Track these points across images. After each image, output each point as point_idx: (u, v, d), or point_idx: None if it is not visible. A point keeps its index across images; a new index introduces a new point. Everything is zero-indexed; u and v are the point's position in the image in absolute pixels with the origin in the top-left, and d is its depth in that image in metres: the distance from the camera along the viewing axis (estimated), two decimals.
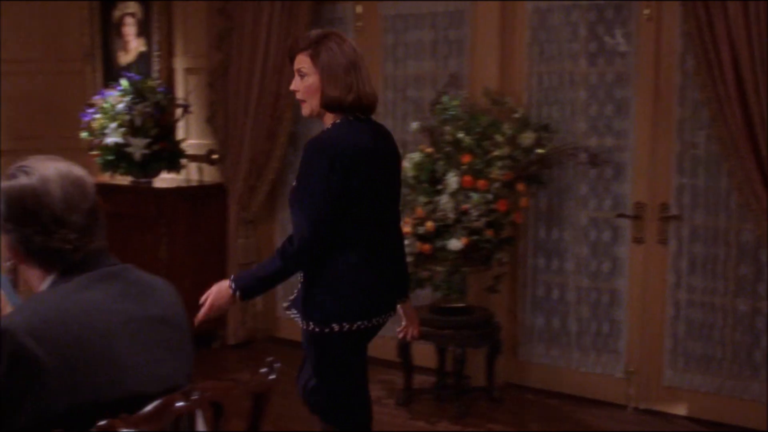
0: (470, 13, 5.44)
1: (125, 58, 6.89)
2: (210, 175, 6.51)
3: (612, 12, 5.03)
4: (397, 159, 3.52)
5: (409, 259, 4.90)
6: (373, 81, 5.56)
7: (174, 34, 6.65)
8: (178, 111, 6.31)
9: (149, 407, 1.82)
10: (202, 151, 6.46)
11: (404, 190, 4.95)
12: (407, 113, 5.67)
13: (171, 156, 6.24)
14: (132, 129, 6.09)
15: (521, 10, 5.30)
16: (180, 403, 1.86)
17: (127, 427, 1.76)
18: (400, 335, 3.78)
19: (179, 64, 6.63)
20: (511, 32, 5.33)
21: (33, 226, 1.96)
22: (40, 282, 2.02)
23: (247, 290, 3.34)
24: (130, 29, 6.84)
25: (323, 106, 3.25)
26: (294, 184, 3.31)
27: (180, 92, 6.52)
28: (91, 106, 6.46)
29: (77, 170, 2.07)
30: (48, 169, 2.01)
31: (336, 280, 3.26)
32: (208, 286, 3.39)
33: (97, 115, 6.30)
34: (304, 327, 3.34)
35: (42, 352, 1.77)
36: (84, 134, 6.41)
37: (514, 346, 5.48)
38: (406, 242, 4.57)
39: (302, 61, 3.27)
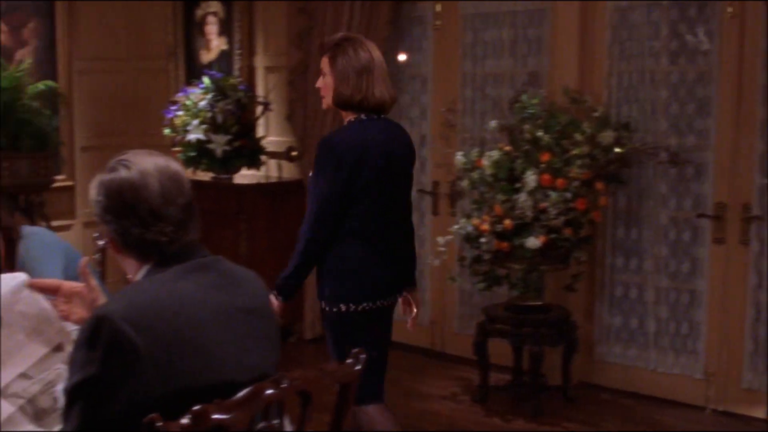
0: (550, 11, 5.43)
1: (207, 57, 7.02)
2: (289, 171, 6.60)
3: (695, 10, 4.99)
4: (409, 155, 3.78)
5: (486, 256, 4.94)
6: (451, 80, 5.64)
7: (255, 33, 6.75)
8: (259, 109, 6.41)
9: (240, 394, 1.87)
10: (281, 148, 6.54)
11: (483, 188, 5.00)
12: (485, 111, 5.69)
13: (251, 153, 6.34)
14: (213, 126, 6.20)
15: (602, 9, 5.28)
16: (270, 391, 1.91)
17: (219, 413, 1.81)
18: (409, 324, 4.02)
19: (260, 62, 6.73)
20: (592, 31, 5.32)
21: (131, 218, 2.03)
22: (136, 272, 2.10)
23: (282, 291, 3.67)
24: (212, 28, 6.96)
25: (335, 104, 3.63)
26: (311, 174, 3.64)
27: (260, 90, 6.62)
28: (174, 103, 6.59)
29: (174, 165, 2.14)
30: (147, 164, 2.08)
31: (344, 267, 3.60)
32: None
33: (180, 113, 6.42)
34: (320, 307, 3.71)
35: (138, 338, 1.84)
36: (167, 131, 6.55)
37: (591, 346, 5.46)
38: (483, 240, 4.69)
39: (324, 62, 3.66)
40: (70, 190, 7.14)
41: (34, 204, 6.46)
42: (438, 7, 5.88)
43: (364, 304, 3.60)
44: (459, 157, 5.14)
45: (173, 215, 2.05)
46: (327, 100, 3.67)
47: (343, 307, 3.60)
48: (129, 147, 6.03)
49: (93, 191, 2.12)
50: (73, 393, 1.86)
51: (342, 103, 3.60)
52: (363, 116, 3.59)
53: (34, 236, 3.53)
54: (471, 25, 5.77)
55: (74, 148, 7.18)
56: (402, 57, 6.14)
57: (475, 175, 5.05)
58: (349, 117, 3.64)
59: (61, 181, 6.93)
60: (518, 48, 5.59)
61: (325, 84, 3.64)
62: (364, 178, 3.51)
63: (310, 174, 3.64)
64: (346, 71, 3.56)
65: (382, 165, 3.56)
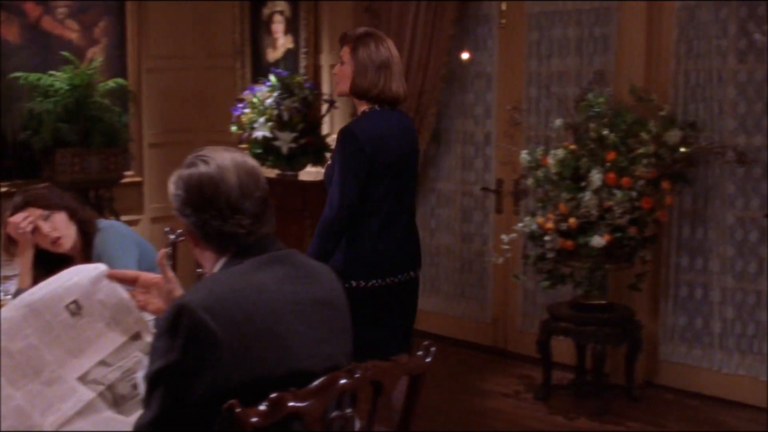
0: (617, 10, 5.42)
1: (273, 55, 7.10)
2: None
3: (764, 8, 4.94)
4: (415, 145, 4.05)
5: (550, 255, 4.95)
6: (516, 78, 5.66)
7: (321, 32, 6.81)
8: (324, 106, 6.47)
9: (315, 383, 1.92)
10: None
11: (547, 187, 5.01)
12: (551, 110, 5.69)
13: (316, 150, 6.39)
14: (279, 123, 6.27)
15: (669, 7, 5.25)
16: (343, 381, 1.96)
17: (295, 401, 1.87)
18: None
19: (325, 60, 6.79)
20: (658, 29, 5.29)
21: (210, 211, 2.09)
22: (213, 265, 2.16)
23: None
24: (278, 27, 7.04)
25: (352, 93, 3.86)
26: (329, 162, 3.94)
27: (326, 88, 6.68)
28: (241, 101, 6.67)
29: (251, 160, 2.20)
30: (224, 159, 2.14)
31: (356, 244, 3.80)
32: None
33: (247, 110, 6.50)
34: None
35: (217, 327, 1.89)
36: (233, 128, 6.64)
37: (655, 345, 5.44)
38: (547, 238, 4.72)
39: (344, 52, 3.88)
40: (138, 185, 7.28)
41: (103, 199, 6.59)
42: (504, 6, 5.89)
43: (374, 281, 3.79)
44: (524, 156, 5.16)
45: (250, 208, 2.11)
46: (341, 87, 3.91)
47: (353, 283, 3.74)
48: (196, 144, 6.19)
49: (172, 186, 2.18)
50: (154, 379, 1.92)
51: (360, 93, 3.83)
52: (377, 107, 3.83)
53: (110, 229, 3.63)
54: (537, 24, 5.78)
55: (142, 144, 7.32)
56: (465, 55, 6.16)
57: (539, 173, 5.06)
58: (363, 107, 3.87)
59: (129, 177, 7.07)
60: (584, 46, 5.59)
61: (342, 72, 3.87)
62: (381, 165, 3.77)
63: (329, 163, 3.95)
64: (366, 64, 3.79)
65: (396, 153, 3.84)
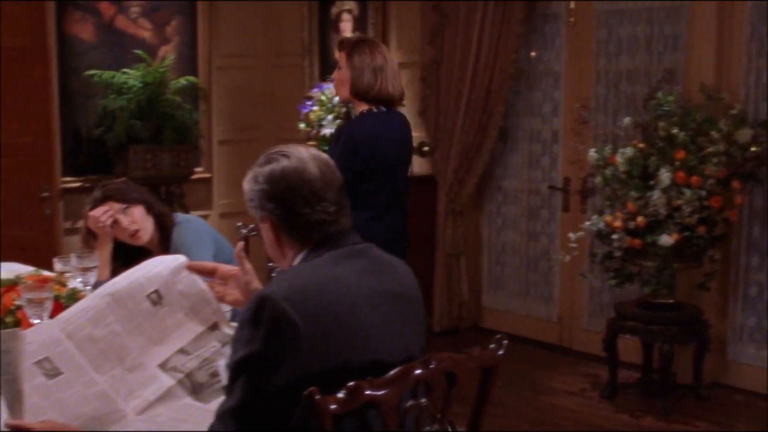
0: (687, 8, 5.38)
1: None
2: (420, 166, 6.69)
3: None
4: (409, 143, 4.37)
5: (618, 253, 4.94)
6: (585, 76, 5.66)
7: (388, 30, 6.86)
8: None
9: (391, 373, 1.97)
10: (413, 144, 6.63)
11: (615, 185, 5.00)
12: (619, 108, 5.67)
13: None
14: (347, 121, 6.33)
15: (740, 5, 5.20)
16: (418, 371, 2.00)
17: (372, 390, 1.92)
18: None
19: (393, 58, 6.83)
20: (729, 27, 5.25)
21: (297, 200, 2.15)
22: (293, 257, 2.21)
23: None
24: (346, 25, 7.11)
25: (351, 95, 4.17)
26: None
27: None
28: (309, 98, 6.74)
29: (324, 155, 2.27)
30: (302, 153, 2.22)
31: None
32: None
33: (315, 108, 6.58)
34: None
35: (298, 318, 1.95)
36: (302, 125, 6.71)
37: (723, 345, 5.40)
38: (615, 236, 4.72)
39: (342, 58, 4.21)
40: (207, 181, 7.39)
41: (174, 195, 6.71)
42: (572, 4, 5.88)
43: None
44: (592, 154, 5.15)
45: (332, 197, 2.18)
46: (342, 91, 4.26)
47: None
48: (264, 141, 6.29)
49: (251, 183, 2.23)
50: (236, 368, 1.98)
51: (359, 94, 4.15)
52: (374, 108, 4.16)
53: (188, 223, 3.72)
54: (605, 22, 5.77)
55: (212, 141, 7.43)
56: (533, 54, 6.17)
57: (608, 171, 5.05)
58: (362, 107, 4.18)
59: (199, 173, 7.19)
60: (654, 45, 5.56)
61: (340, 77, 4.22)
62: (375, 162, 4.09)
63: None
64: (362, 68, 4.12)
65: (391, 152, 4.17)
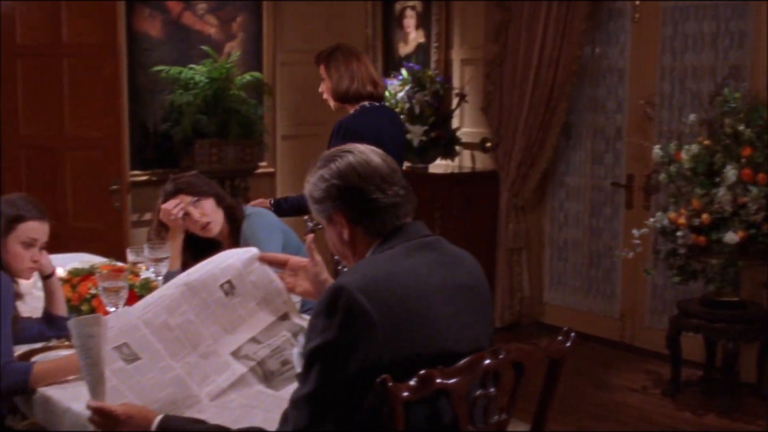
0: (753, 4, 5.33)
1: (404, 50, 7.22)
2: (482, 162, 6.72)
3: None
4: (403, 135, 4.81)
5: (682, 250, 4.93)
6: (649, 73, 5.63)
7: (452, 27, 6.89)
8: (455, 100, 6.55)
9: (461, 362, 2.01)
10: (476, 140, 6.67)
11: (680, 182, 4.98)
12: (684, 105, 5.64)
13: (446, 143, 6.49)
14: (411, 117, 6.39)
15: None
16: (487, 361, 2.04)
17: (442, 378, 1.96)
18: None
19: (456, 55, 6.87)
20: None
21: (368, 187, 2.20)
22: (365, 250, 2.26)
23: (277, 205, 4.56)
24: (410, 22, 7.16)
25: (337, 101, 4.61)
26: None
27: (456, 82, 6.76)
28: None
29: (378, 149, 2.34)
30: (360, 147, 2.31)
31: None
32: None
33: None
34: None
35: (372, 308, 2.00)
36: None
37: None
38: (679, 234, 4.71)
39: (321, 70, 4.66)
40: (271, 176, 7.48)
41: (239, 189, 6.82)
42: (638, 2, 5.86)
43: None
44: (656, 151, 5.13)
45: (400, 181, 2.26)
46: (331, 102, 4.67)
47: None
48: (326, 137, 6.37)
49: (316, 185, 2.28)
50: (311, 356, 2.03)
51: (343, 99, 4.58)
52: (366, 104, 4.57)
53: (258, 216, 3.79)
54: (671, 18, 5.73)
55: (276, 136, 7.51)
56: (596, 50, 6.17)
57: (672, 168, 5.03)
58: (351, 109, 4.58)
59: (263, 167, 7.28)
60: (720, 41, 5.52)
61: (326, 88, 4.65)
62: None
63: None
64: (339, 76, 4.57)
65: (388, 143, 4.19)
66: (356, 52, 4.71)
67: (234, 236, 3.77)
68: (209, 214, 3.73)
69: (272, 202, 4.61)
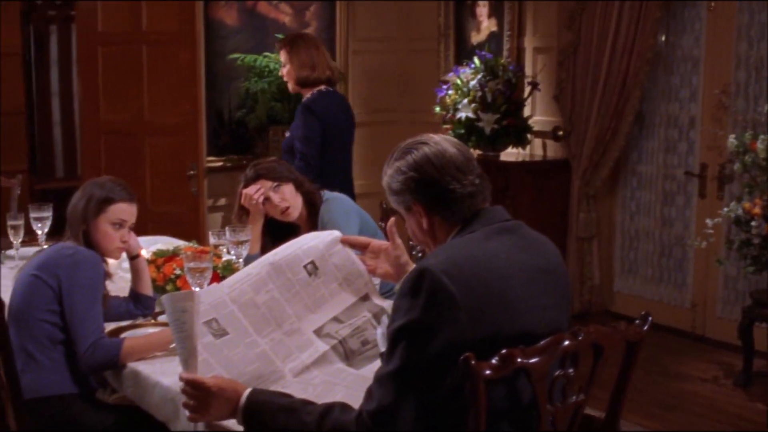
0: None
1: (477, 38, 7.24)
2: (554, 150, 6.73)
3: None
4: (353, 117, 5.32)
5: (756, 240, 4.90)
6: (725, 61, 5.59)
7: (525, 15, 6.89)
8: (527, 89, 6.57)
9: (542, 343, 2.06)
10: (547, 128, 6.68)
11: (755, 172, 4.96)
12: (760, 94, 5.58)
13: (518, 131, 6.50)
14: (483, 105, 6.41)
15: None
16: (567, 342, 2.09)
17: (523, 358, 2.01)
18: None
19: (528, 43, 6.87)
20: None
21: (445, 178, 2.26)
22: (444, 240, 2.32)
23: None
24: (482, 10, 7.17)
25: (298, 85, 5.08)
26: (288, 134, 5.14)
27: (528, 70, 6.77)
28: (445, 82, 6.85)
29: (453, 138, 2.40)
30: (435, 137, 2.36)
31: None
32: None
33: (450, 92, 6.68)
34: None
35: (455, 289, 2.06)
36: (437, 109, 6.83)
37: None
38: (754, 224, 4.69)
39: (283, 55, 5.12)
40: None
41: None
42: None
43: None
44: (731, 140, 5.10)
45: (475, 170, 2.31)
46: (290, 85, 5.12)
47: None
48: (398, 124, 6.48)
49: (394, 176, 2.34)
50: (396, 335, 2.10)
51: (303, 82, 5.05)
52: (323, 88, 5.07)
53: (335, 201, 3.88)
54: (747, 6, 5.68)
55: None
56: (671, 38, 6.14)
57: (747, 158, 5.00)
58: (310, 91, 5.06)
59: None
60: None
61: (287, 71, 5.10)
62: (332, 132, 5.02)
63: (287, 134, 5.16)
64: (301, 61, 5.04)
65: (343, 125, 5.14)
66: (317, 40, 5.29)
67: (312, 220, 3.85)
68: (288, 199, 3.82)
69: None
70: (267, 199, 3.81)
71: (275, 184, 3.81)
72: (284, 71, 5.16)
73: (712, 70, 5.88)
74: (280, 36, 5.43)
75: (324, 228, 3.61)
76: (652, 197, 6.36)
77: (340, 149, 5.15)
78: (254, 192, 3.80)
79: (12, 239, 4.18)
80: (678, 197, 6.20)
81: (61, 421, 2.99)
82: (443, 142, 2.34)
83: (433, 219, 2.32)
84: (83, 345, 2.92)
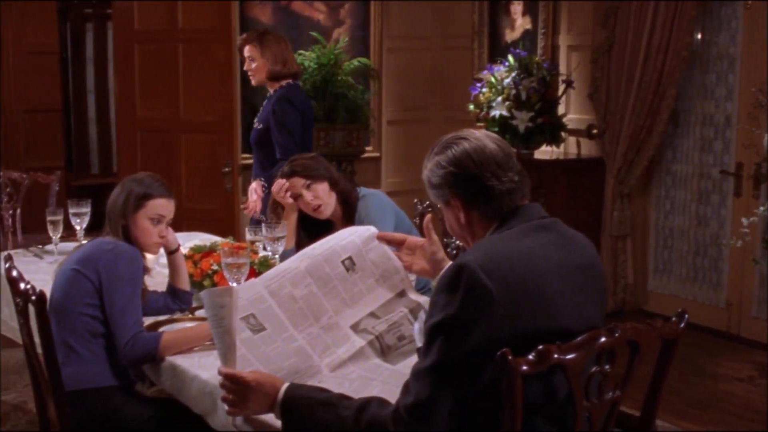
0: None
1: (511, 36, 7.24)
2: (588, 149, 6.72)
3: None
4: (311, 107, 5.47)
5: None
6: (762, 60, 5.53)
7: (559, 13, 6.88)
8: (561, 86, 6.55)
9: (578, 339, 2.07)
10: (582, 126, 6.67)
11: None
12: None
13: (552, 129, 6.50)
14: (517, 103, 6.41)
15: None
16: (603, 339, 2.10)
17: (560, 353, 2.02)
18: None
19: (563, 41, 6.86)
20: None
21: (484, 174, 2.27)
22: (482, 234, 2.33)
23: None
24: (517, 8, 7.17)
25: (270, 79, 5.18)
26: (261, 126, 5.20)
27: (563, 68, 6.76)
28: (479, 80, 6.85)
29: (493, 133, 2.40)
30: (475, 133, 2.36)
31: None
32: None
33: (485, 89, 6.68)
34: None
35: (492, 285, 2.07)
36: (471, 107, 6.83)
37: None
38: None
39: (252, 51, 5.18)
40: (376, 160, 7.60)
41: (345, 173, 6.93)
42: None
43: None
44: None
45: (514, 166, 2.32)
46: (258, 78, 5.21)
47: None
48: (431, 122, 6.48)
49: (433, 171, 2.35)
50: (433, 330, 2.11)
51: (275, 76, 5.16)
52: (291, 81, 5.21)
53: (372, 197, 3.90)
54: None
55: (382, 121, 7.62)
56: (707, 36, 6.11)
57: None
58: (277, 85, 5.19)
59: (369, 152, 7.39)
60: None
61: (256, 66, 5.18)
62: (306, 120, 5.21)
63: (260, 126, 5.20)
64: (274, 55, 5.14)
65: (311, 115, 5.34)
66: (283, 35, 5.43)
67: (347, 218, 3.87)
68: (321, 197, 3.84)
69: None
70: (300, 195, 3.84)
71: (308, 182, 3.84)
72: (253, 66, 5.20)
73: (749, 68, 5.84)
74: (248, 33, 5.46)
75: (360, 223, 3.63)
76: (687, 196, 6.33)
77: (308, 141, 5.32)
78: (278, 189, 3.84)
79: (51, 234, 4.24)
80: (713, 196, 6.16)
81: (100, 414, 3.03)
82: (484, 138, 2.34)
83: (471, 214, 2.33)
84: (123, 338, 2.96)
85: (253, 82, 5.31)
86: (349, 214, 3.89)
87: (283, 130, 5.05)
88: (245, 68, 5.29)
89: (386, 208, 3.89)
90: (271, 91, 5.24)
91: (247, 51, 5.22)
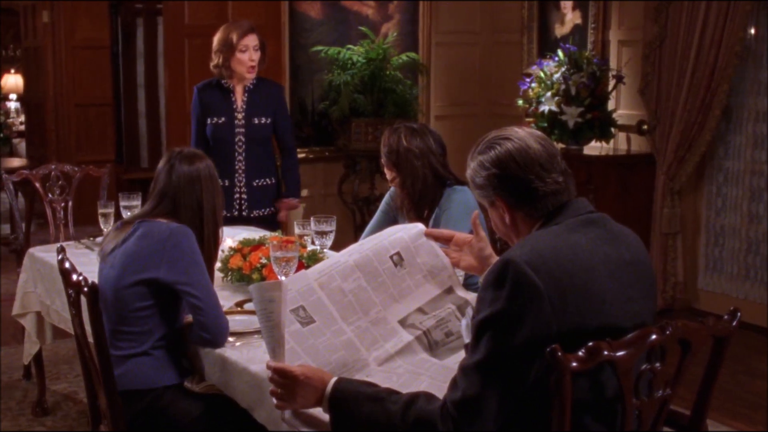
0: None
1: (560, 31, 7.19)
2: (639, 145, 6.65)
3: None
4: None
5: None
6: None
7: (610, 7, 6.83)
8: (612, 82, 6.50)
9: (629, 336, 2.05)
10: (632, 122, 6.61)
11: None
12: None
13: (602, 125, 6.44)
14: (566, 98, 6.37)
15: None
16: (654, 336, 2.07)
17: (610, 350, 2.00)
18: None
19: (613, 36, 6.80)
20: None
21: (529, 176, 2.26)
22: (528, 232, 2.31)
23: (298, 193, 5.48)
24: (566, 3, 7.12)
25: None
26: (267, 121, 5.14)
27: (613, 63, 6.70)
28: (528, 75, 6.81)
29: (537, 131, 2.37)
30: (520, 132, 2.33)
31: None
32: None
33: (534, 84, 6.65)
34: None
35: (539, 280, 2.06)
36: (520, 102, 6.80)
37: None
38: None
39: (256, 39, 5.01)
40: None
41: None
42: None
43: None
44: None
45: (558, 167, 2.29)
46: (257, 69, 5.07)
47: None
48: (479, 117, 6.45)
49: (477, 171, 2.33)
50: (481, 326, 2.11)
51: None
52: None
53: (461, 193, 3.86)
54: None
55: (430, 116, 7.61)
56: (761, 31, 6.02)
57: None
58: (254, 77, 5.11)
59: None
60: None
61: (260, 57, 5.05)
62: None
63: (263, 120, 5.12)
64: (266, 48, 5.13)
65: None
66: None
67: (417, 212, 3.88)
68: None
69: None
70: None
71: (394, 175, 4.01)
72: (257, 57, 5.05)
73: None
74: (244, 21, 5.26)
75: (438, 216, 3.76)
76: (739, 193, 6.25)
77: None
78: None
79: (102, 227, 4.29)
80: (766, 194, 6.08)
81: (151, 412, 3.02)
82: (527, 137, 2.32)
83: (515, 214, 2.32)
84: (212, 310, 2.95)
85: (252, 75, 5.09)
86: (420, 209, 3.90)
87: (292, 127, 5.52)
88: (250, 58, 5.02)
89: (470, 207, 3.75)
90: (249, 84, 5.10)
91: (253, 39, 5.04)
